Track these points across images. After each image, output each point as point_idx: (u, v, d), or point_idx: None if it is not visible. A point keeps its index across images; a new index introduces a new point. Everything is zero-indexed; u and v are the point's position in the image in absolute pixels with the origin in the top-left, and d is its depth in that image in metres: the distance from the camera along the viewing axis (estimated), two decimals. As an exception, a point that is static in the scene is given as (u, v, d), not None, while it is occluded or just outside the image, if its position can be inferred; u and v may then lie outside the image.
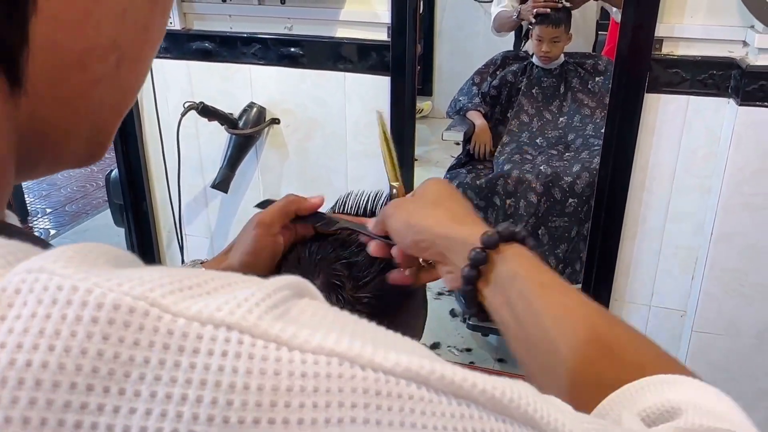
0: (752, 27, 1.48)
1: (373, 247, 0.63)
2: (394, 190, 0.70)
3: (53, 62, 0.30)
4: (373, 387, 0.22)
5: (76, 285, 0.21)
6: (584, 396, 0.43)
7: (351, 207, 0.73)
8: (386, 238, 0.63)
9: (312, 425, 0.21)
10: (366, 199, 0.73)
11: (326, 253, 0.66)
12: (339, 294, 0.63)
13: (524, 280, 0.49)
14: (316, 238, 0.69)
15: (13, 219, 0.34)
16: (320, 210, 0.70)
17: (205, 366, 0.21)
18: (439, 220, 0.56)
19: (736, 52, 1.52)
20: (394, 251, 0.61)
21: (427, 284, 0.71)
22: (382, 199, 0.73)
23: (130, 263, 0.25)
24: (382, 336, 0.26)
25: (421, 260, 0.63)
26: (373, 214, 0.72)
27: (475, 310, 0.54)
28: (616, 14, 2.80)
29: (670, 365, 0.44)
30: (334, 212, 0.73)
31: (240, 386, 0.21)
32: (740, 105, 1.49)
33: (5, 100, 0.29)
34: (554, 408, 0.27)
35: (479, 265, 0.51)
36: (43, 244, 0.29)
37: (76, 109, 0.32)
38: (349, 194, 0.74)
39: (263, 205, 0.71)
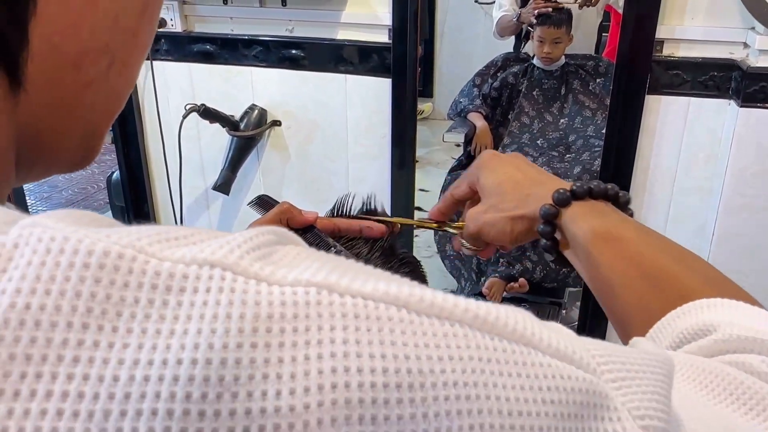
0: (753, 28, 1.48)
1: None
2: (451, 230, 0.70)
3: (50, 63, 0.31)
4: (351, 311, 0.23)
5: (68, 236, 0.23)
6: (642, 328, 0.45)
7: (350, 209, 0.73)
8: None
9: (293, 347, 0.22)
10: (362, 203, 0.73)
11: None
12: None
13: (582, 237, 0.53)
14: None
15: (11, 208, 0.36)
16: (320, 215, 0.70)
17: (191, 302, 0.22)
18: (510, 210, 0.59)
19: (736, 54, 1.52)
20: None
21: (431, 287, 0.70)
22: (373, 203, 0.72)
23: (118, 226, 0.27)
24: (364, 270, 0.26)
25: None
26: (369, 212, 0.72)
27: (564, 263, 0.58)
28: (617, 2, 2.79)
29: (721, 289, 0.45)
30: (333, 215, 0.72)
31: (223, 316, 0.22)
32: (741, 106, 1.50)
33: (5, 98, 0.31)
34: (555, 332, 0.27)
35: (551, 220, 0.55)
36: None
37: (70, 110, 0.34)
38: (346, 195, 0.74)
39: (258, 202, 0.71)
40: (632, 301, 0.49)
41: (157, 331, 0.22)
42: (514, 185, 0.60)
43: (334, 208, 0.73)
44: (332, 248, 0.66)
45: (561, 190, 0.55)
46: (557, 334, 0.27)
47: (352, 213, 0.72)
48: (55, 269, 0.22)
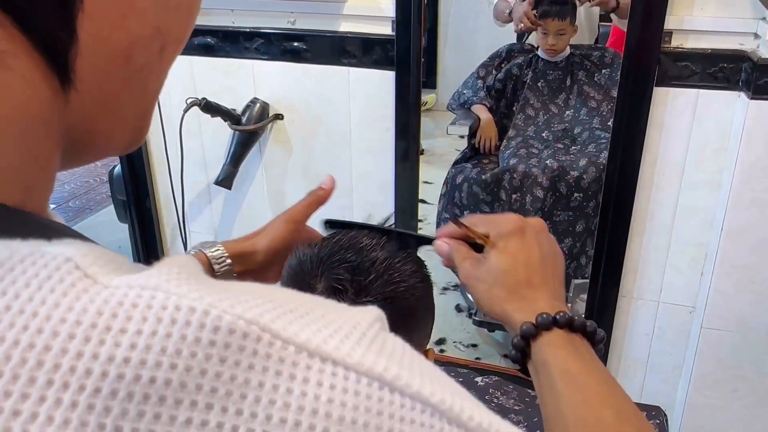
0: (764, 19, 1.45)
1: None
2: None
3: (99, 58, 0.30)
4: None
5: (193, 306, 0.22)
6: None
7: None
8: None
9: None
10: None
11: (329, 256, 0.65)
12: (341, 298, 0.61)
13: (553, 367, 0.55)
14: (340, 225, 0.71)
15: (58, 218, 0.35)
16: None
17: (315, 396, 0.22)
18: (496, 300, 0.61)
19: (747, 45, 1.50)
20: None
21: (433, 281, 0.73)
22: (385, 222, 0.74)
23: (203, 275, 0.27)
24: (452, 387, 0.27)
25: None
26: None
27: (524, 370, 0.60)
28: (617, 22, 2.77)
29: None
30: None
31: (348, 419, 0.22)
32: (751, 99, 1.47)
33: (56, 97, 0.29)
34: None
35: (521, 349, 0.57)
36: (90, 241, 0.30)
37: (122, 100, 0.33)
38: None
39: (328, 225, 0.73)
40: None
41: (282, 420, 0.22)
42: (514, 281, 0.61)
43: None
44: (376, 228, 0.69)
45: (544, 315, 0.56)
46: None
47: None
48: (181, 343, 0.22)
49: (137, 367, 0.21)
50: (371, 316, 0.27)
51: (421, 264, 0.73)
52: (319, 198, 0.75)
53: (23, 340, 0.20)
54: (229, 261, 0.71)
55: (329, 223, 0.73)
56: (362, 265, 0.64)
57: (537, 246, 0.63)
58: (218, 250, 0.72)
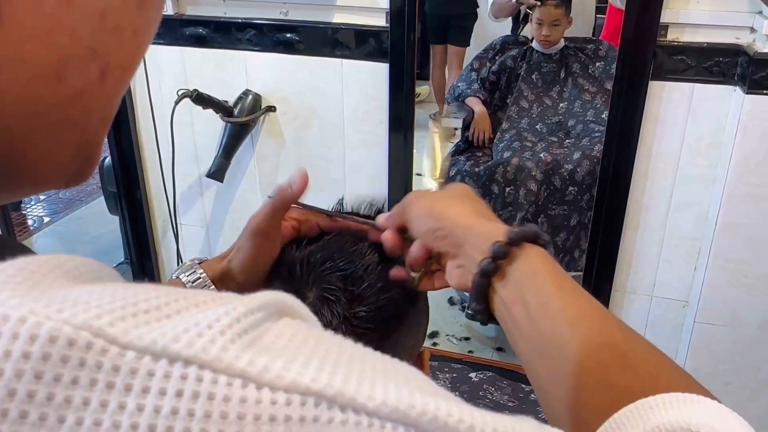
0: (760, 13, 1.44)
1: (389, 239, 0.61)
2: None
3: (24, 75, 0.27)
4: None
5: (7, 313, 0.18)
6: (592, 399, 0.42)
7: (350, 208, 0.70)
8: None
9: None
10: (366, 207, 0.70)
11: (320, 263, 0.62)
12: (333, 309, 0.59)
13: (544, 280, 0.49)
14: (313, 240, 0.66)
15: None
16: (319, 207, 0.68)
17: (154, 408, 0.18)
18: (462, 212, 0.55)
19: (743, 39, 1.49)
20: (414, 249, 0.58)
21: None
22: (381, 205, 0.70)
23: (90, 275, 0.22)
24: (370, 363, 0.23)
25: (427, 265, 0.60)
26: (368, 218, 0.69)
27: (482, 306, 0.52)
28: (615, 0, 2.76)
29: (688, 383, 0.42)
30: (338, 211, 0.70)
31: (195, 431, 0.18)
32: (747, 93, 1.46)
33: None
34: None
35: (500, 259, 0.50)
36: (18, 250, 0.26)
37: (56, 125, 0.29)
38: (340, 200, 0.71)
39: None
40: (592, 369, 0.44)
41: None
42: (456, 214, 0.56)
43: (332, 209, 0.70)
44: (342, 232, 0.64)
45: (516, 230, 0.50)
46: None
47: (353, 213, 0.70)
48: None
49: None
50: (253, 301, 0.22)
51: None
52: (284, 200, 0.64)
53: None
54: (212, 288, 0.65)
55: None
56: (355, 273, 0.61)
57: (439, 192, 0.60)
58: (198, 276, 0.65)
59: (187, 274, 0.65)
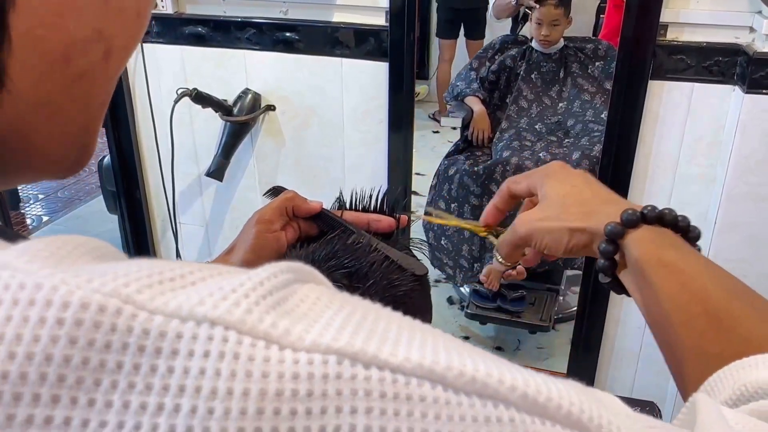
0: (759, 12, 1.44)
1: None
2: (492, 239, 0.67)
3: (34, 57, 0.28)
4: (377, 388, 0.20)
5: (40, 282, 0.19)
6: (697, 371, 0.43)
7: (355, 203, 0.70)
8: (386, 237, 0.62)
9: None
10: (369, 196, 0.70)
11: (324, 261, 0.62)
12: None
13: (645, 263, 0.49)
14: (314, 239, 0.66)
15: None
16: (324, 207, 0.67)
17: (184, 369, 0.19)
18: (572, 221, 0.56)
19: (742, 39, 1.49)
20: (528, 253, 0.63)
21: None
22: (381, 196, 0.70)
23: (109, 255, 0.23)
24: (395, 324, 0.22)
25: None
26: (376, 210, 0.69)
27: (617, 288, 0.55)
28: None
29: None
30: (338, 209, 0.70)
31: (223, 391, 0.19)
32: (746, 93, 1.46)
33: None
34: (605, 408, 0.23)
35: (616, 239, 0.51)
36: (16, 238, 0.26)
37: (61, 106, 0.30)
38: (352, 192, 0.71)
39: (273, 192, 0.69)
40: (689, 340, 0.45)
41: (142, 405, 0.18)
42: (581, 199, 0.57)
43: (335, 204, 0.70)
44: (347, 230, 0.64)
45: (630, 211, 0.51)
46: (614, 415, 0.23)
47: (359, 205, 0.70)
48: (23, 326, 0.18)
49: None
50: (275, 267, 0.22)
51: (415, 261, 0.72)
52: (295, 203, 0.66)
53: None
54: None
55: (274, 191, 0.69)
56: (360, 271, 0.61)
57: (579, 173, 0.60)
58: None
59: None
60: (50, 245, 0.21)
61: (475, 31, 3.83)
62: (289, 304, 0.21)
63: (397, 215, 0.69)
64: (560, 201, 0.58)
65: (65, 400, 0.18)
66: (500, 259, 0.64)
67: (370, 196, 0.70)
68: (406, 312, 0.68)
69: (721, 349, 0.42)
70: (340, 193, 0.70)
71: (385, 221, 0.67)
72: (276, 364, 0.19)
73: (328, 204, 0.70)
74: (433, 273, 2.60)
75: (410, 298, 0.63)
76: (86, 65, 0.30)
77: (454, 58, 3.92)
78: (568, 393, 0.22)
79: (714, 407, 0.31)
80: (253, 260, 0.63)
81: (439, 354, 0.21)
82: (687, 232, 0.52)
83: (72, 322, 0.18)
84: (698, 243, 0.53)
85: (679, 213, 0.54)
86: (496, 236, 0.67)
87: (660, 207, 0.53)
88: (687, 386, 0.45)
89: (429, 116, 4.25)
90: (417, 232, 2.83)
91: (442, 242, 2.49)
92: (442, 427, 0.19)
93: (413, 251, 0.70)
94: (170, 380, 0.19)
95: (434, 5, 4.50)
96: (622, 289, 0.54)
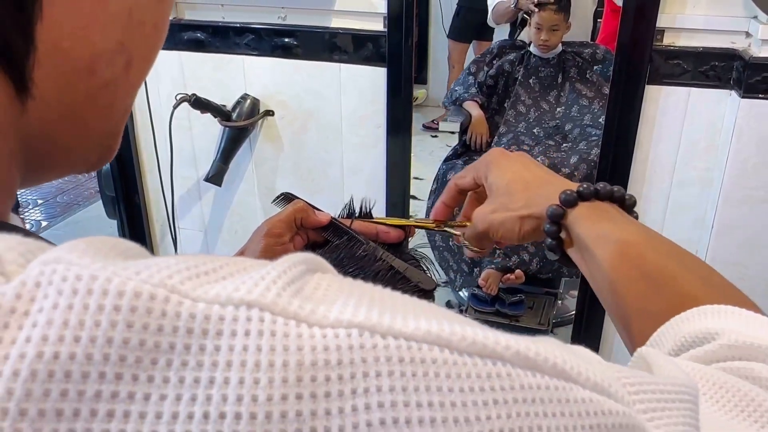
0: (755, 17, 1.45)
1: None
2: (461, 236, 0.69)
3: (60, 69, 0.30)
4: (395, 354, 0.22)
5: (95, 274, 0.21)
6: (642, 329, 0.47)
7: (363, 209, 0.71)
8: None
9: (339, 397, 0.21)
10: (368, 204, 0.70)
11: None
12: None
13: (587, 237, 0.53)
14: (320, 246, 0.67)
15: (17, 221, 0.35)
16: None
17: (229, 347, 0.21)
18: (519, 209, 0.59)
19: (738, 44, 1.50)
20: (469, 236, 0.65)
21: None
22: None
23: (139, 255, 0.26)
24: (400, 302, 0.25)
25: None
26: (365, 216, 0.70)
27: (566, 263, 0.58)
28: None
29: (724, 295, 0.46)
30: (347, 216, 0.70)
31: (265, 364, 0.21)
32: (742, 97, 1.47)
33: (11, 104, 0.29)
34: (586, 362, 0.26)
35: (558, 220, 0.55)
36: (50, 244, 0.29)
37: (85, 114, 0.32)
38: (362, 201, 0.72)
39: (283, 198, 0.70)
40: (633, 302, 0.49)
41: (196, 380, 0.21)
42: (523, 185, 0.60)
43: (350, 210, 0.71)
44: (355, 239, 0.65)
45: (568, 191, 0.55)
46: (589, 364, 0.26)
47: (348, 214, 0.70)
48: (84, 313, 0.20)
49: (39, 344, 0.20)
50: (292, 259, 0.25)
51: (423, 274, 0.71)
52: (305, 214, 0.67)
53: None
54: None
55: (284, 197, 0.70)
56: (365, 280, 0.61)
57: (518, 157, 0.64)
58: None
59: None
60: (91, 245, 0.23)
61: (489, 32, 3.79)
62: (306, 291, 0.24)
63: (353, 220, 0.69)
64: (505, 190, 0.61)
65: (127, 377, 0.20)
66: (473, 248, 0.67)
67: (361, 206, 0.71)
68: None
69: (661, 307, 0.46)
70: (351, 200, 0.71)
71: (393, 232, 0.69)
72: (308, 338, 0.22)
73: (335, 211, 0.70)
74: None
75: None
76: (109, 76, 0.32)
77: (464, 62, 3.90)
78: (552, 349, 0.25)
79: (661, 354, 0.36)
80: None
81: (442, 323, 0.24)
82: (623, 202, 0.56)
83: (128, 308, 0.21)
84: (635, 210, 0.57)
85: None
86: (448, 230, 0.70)
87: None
88: (635, 344, 0.48)
89: (422, 126, 4.22)
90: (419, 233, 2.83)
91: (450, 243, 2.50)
92: (453, 384, 0.22)
93: (422, 263, 0.70)
94: (218, 357, 0.21)
95: (433, 9, 4.51)
96: (571, 264, 0.57)
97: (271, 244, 0.65)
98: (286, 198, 0.70)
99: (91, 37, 0.30)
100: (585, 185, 0.55)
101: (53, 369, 0.19)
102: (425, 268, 0.70)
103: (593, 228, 0.53)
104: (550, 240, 0.57)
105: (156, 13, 0.34)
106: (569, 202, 0.55)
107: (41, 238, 0.29)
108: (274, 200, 0.71)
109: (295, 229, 0.67)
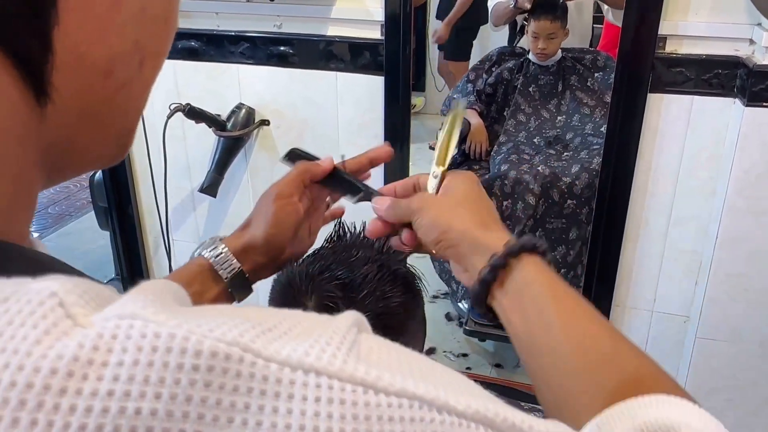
0: (759, 24, 1.43)
1: (373, 228, 0.65)
2: (436, 174, 0.66)
3: (79, 72, 0.30)
4: (449, 430, 0.25)
5: (173, 332, 0.22)
6: (584, 399, 0.47)
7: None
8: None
9: None
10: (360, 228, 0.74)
11: (319, 273, 0.65)
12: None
13: (539, 289, 0.53)
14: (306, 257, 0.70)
15: (40, 246, 0.35)
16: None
17: (301, 411, 0.22)
18: (466, 222, 0.58)
19: (742, 51, 1.47)
20: (404, 237, 0.64)
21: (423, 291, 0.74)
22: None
23: (180, 297, 0.28)
24: (438, 373, 0.28)
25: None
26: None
27: (483, 310, 0.57)
28: (609, 13, 2.74)
29: (671, 386, 0.46)
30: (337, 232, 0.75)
31: (336, 431, 0.22)
32: (746, 106, 1.44)
33: (32, 112, 0.29)
34: (551, 423, 0.29)
35: (499, 269, 0.54)
36: (78, 273, 0.30)
37: (103, 115, 0.32)
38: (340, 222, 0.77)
39: (290, 156, 0.74)
40: (581, 370, 0.49)
41: None
42: (473, 207, 0.60)
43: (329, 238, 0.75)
44: (361, 189, 0.69)
45: (524, 239, 0.55)
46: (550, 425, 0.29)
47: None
48: (164, 371, 0.21)
49: (121, 399, 0.20)
50: (347, 321, 0.27)
51: (412, 278, 0.72)
52: (311, 170, 0.71)
53: (4, 379, 0.20)
54: (234, 262, 0.68)
55: (291, 154, 0.74)
56: (354, 282, 0.64)
57: (473, 179, 0.64)
58: (220, 252, 0.68)
59: (209, 250, 0.70)
60: (155, 294, 0.24)
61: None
62: (363, 353, 0.25)
63: (344, 162, 0.75)
64: (457, 199, 0.60)
65: None
66: (377, 206, 0.65)
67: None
68: (400, 322, 0.69)
69: (616, 386, 0.45)
70: (342, 157, 0.76)
71: (382, 151, 0.76)
72: (374, 407, 0.23)
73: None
74: (432, 289, 2.57)
75: (404, 309, 0.66)
76: (126, 76, 0.32)
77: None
78: (537, 421, 0.28)
79: None
80: (275, 233, 0.69)
81: (487, 404, 0.26)
82: (545, 255, 0.56)
83: (205, 368, 0.22)
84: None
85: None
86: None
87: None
88: (573, 408, 0.48)
89: (430, 147, 4.19)
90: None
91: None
92: None
93: (412, 269, 0.72)
94: (291, 420, 0.22)
95: (431, 18, 4.49)
96: (486, 308, 0.56)
97: (282, 206, 0.69)
98: (294, 154, 0.74)
99: (108, 39, 0.30)
100: (533, 237, 0.55)
101: (135, 425, 0.20)
102: (418, 277, 0.74)
103: (549, 285, 0.53)
104: (479, 286, 0.55)
105: (167, 6, 0.34)
106: (526, 248, 0.54)
107: (80, 273, 0.29)
108: (283, 158, 0.75)
109: (302, 188, 0.71)
